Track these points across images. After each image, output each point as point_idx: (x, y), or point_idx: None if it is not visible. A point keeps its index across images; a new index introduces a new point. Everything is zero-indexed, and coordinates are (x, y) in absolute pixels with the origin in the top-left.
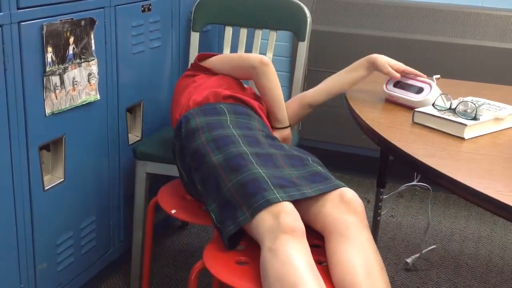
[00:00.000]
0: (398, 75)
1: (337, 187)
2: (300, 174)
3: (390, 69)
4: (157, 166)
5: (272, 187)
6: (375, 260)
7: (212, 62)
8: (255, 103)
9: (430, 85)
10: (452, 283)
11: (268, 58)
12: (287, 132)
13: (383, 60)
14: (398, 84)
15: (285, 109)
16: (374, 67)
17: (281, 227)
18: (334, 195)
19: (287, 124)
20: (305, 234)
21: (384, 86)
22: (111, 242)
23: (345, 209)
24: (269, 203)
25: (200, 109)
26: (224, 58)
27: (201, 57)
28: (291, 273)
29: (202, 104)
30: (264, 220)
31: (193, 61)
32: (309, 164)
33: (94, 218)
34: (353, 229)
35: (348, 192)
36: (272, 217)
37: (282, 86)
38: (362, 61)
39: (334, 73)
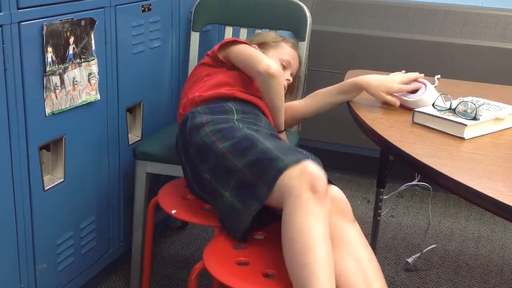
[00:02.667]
0: (397, 102)
1: (332, 183)
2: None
3: (386, 97)
4: (157, 166)
5: (280, 155)
6: (368, 257)
7: (229, 54)
8: (263, 105)
9: (425, 85)
10: (452, 283)
11: (277, 67)
12: (281, 136)
13: (376, 90)
14: None
15: (283, 116)
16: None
17: (304, 180)
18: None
19: (282, 129)
20: (326, 195)
21: None
22: (111, 242)
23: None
24: (281, 171)
25: (207, 107)
26: (239, 52)
27: (224, 44)
28: (304, 239)
29: (210, 102)
30: (285, 179)
31: (214, 48)
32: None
33: (94, 218)
34: (341, 229)
35: (333, 190)
36: (295, 171)
37: None
38: (351, 85)
39: (334, 73)
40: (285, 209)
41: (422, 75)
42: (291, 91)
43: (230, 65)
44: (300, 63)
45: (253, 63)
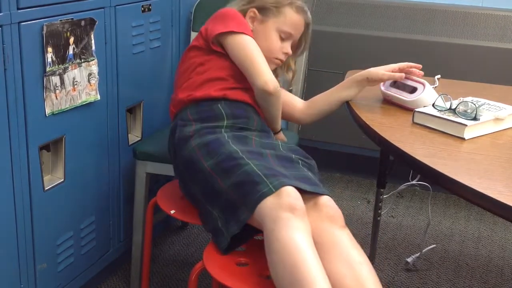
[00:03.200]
0: (400, 74)
1: (326, 193)
2: (290, 174)
3: (388, 73)
4: (157, 166)
5: (264, 179)
6: (360, 259)
7: (226, 46)
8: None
9: (424, 85)
10: (452, 283)
11: (276, 84)
12: (278, 135)
13: (377, 70)
14: (394, 84)
15: (279, 121)
16: (368, 81)
17: (281, 205)
18: (309, 205)
19: (278, 130)
20: (305, 214)
21: (381, 85)
22: (111, 242)
23: (318, 216)
24: (264, 196)
25: (197, 111)
26: (238, 52)
27: (220, 34)
28: (292, 253)
29: (201, 101)
30: (265, 205)
31: (209, 30)
32: (298, 168)
33: (94, 218)
34: (331, 234)
35: (323, 198)
36: (273, 198)
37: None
38: (354, 77)
39: (334, 73)
40: (265, 233)
41: (420, 66)
42: (296, 51)
43: (224, 53)
44: (308, 24)
45: (250, 73)
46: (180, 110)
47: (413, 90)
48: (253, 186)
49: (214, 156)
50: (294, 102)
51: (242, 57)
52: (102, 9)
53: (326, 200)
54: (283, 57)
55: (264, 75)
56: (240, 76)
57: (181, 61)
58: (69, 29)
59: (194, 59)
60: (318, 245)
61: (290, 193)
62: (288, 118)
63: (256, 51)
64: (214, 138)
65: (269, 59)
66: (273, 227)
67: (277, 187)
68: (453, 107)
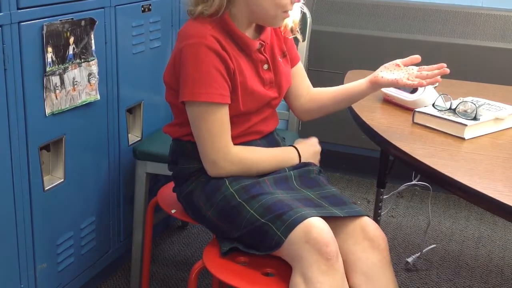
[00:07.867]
0: (419, 58)
1: (361, 213)
2: (319, 195)
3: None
4: (157, 166)
5: (270, 225)
6: None
7: (187, 110)
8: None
9: None
10: (452, 283)
11: (219, 170)
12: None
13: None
14: None
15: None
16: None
17: (315, 251)
18: (356, 229)
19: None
20: (339, 255)
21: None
22: (111, 242)
23: (368, 246)
24: (280, 243)
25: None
26: (192, 122)
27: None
28: None
29: None
30: (297, 241)
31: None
32: (323, 186)
33: (94, 218)
34: (376, 268)
35: (371, 226)
36: (306, 239)
37: None
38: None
39: (334, 73)
40: (296, 276)
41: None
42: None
43: None
44: None
45: (199, 151)
46: (182, 141)
47: (413, 90)
48: (264, 236)
49: (213, 205)
50: (300, 92)
51: (194, 131)
52: (102, 9)
53: (374, 230)
54: (291, 7)
55: (208, 157)
56: (242, 122)
57: (167, 90)
58: (69, 29)
59: (171, 97)
60: (365, 277)
61: (318, 234)
62: (288, 104)
63: (205, 126)
64: (212, 180)
65: (277, 17)
66: (306, 274)
67: (288, 228)
68: (453, 107)
